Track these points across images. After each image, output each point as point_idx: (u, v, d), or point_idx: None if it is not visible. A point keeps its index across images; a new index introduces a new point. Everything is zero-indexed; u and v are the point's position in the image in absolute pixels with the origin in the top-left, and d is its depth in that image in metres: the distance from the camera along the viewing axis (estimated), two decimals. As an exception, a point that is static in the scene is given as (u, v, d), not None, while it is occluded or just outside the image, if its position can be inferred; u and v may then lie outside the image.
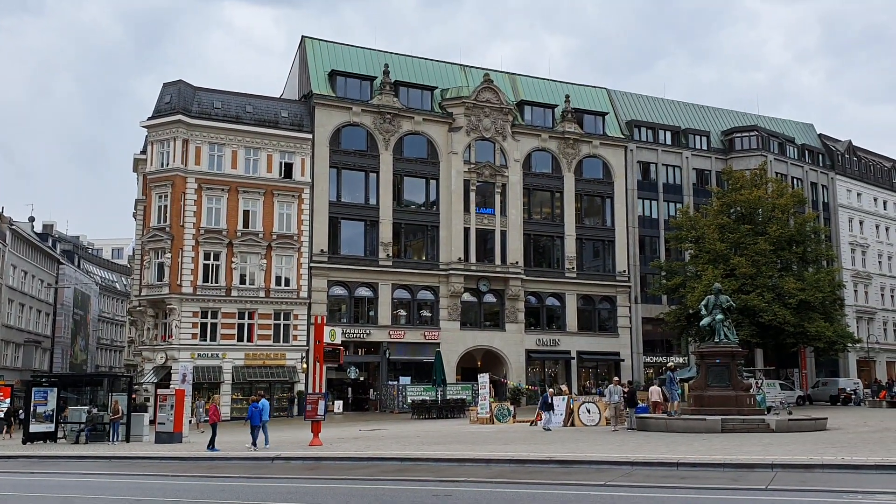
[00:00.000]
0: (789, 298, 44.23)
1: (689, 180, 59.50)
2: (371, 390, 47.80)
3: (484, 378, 35.57)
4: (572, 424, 28.74)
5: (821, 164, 66.95)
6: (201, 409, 35.00)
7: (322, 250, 46.49)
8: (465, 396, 41.90)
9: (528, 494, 12.88)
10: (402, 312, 48.67)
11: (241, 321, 44.13)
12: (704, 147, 60.96)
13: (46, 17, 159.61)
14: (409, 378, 46.23)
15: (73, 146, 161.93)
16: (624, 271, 55.13)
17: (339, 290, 47.38)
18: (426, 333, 48.39)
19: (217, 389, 41.54)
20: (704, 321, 27.18)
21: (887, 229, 72.28)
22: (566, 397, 30.85)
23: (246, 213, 45.18)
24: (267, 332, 44.61)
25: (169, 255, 43.03)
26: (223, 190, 44.69)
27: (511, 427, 30.16)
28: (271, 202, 45.70)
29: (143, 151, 47.92)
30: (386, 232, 48.39)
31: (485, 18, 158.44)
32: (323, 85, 48.96)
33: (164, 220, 43.69)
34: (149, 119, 45.11)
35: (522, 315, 51.32)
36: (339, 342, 36.79)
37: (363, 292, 47.93)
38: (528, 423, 30.65)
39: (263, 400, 23.80)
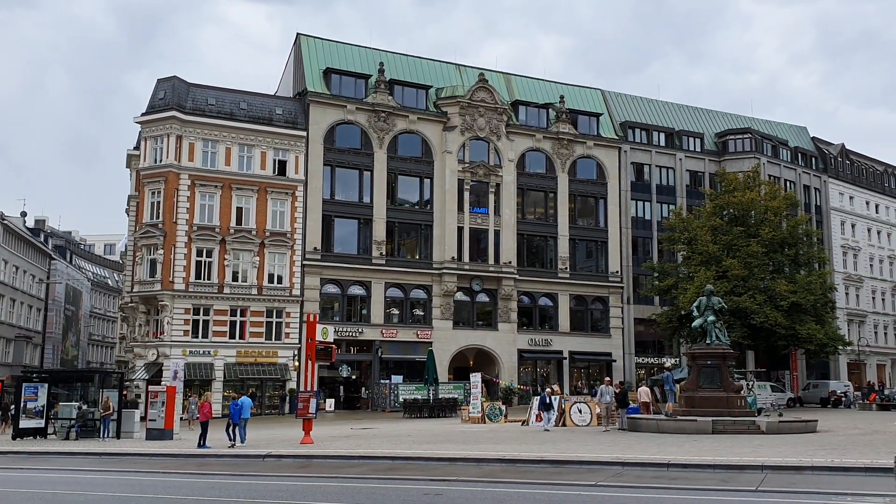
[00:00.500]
0: (781, 301, 44.41)
1: (682, 182, 59.64)
2: (363, 389, 47.76)
3: (476, 377, 35.61)
4: (563, 424, 28.77)
5: (814, 168, 67.18)
6: (194, 406, 34.92)
7: (315, 248, 46.42)
8: (457, 396, 41.91)
9: (518, 494, 12.90)
10: (395, 311, 48.64)
11: (233, 318, 44.01)
12: (698, 149, 61.10)
13: (40, 10, 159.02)
14: (401, 377, 46.20)
15: (66, 141, 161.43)
16: (617, 272, 55.23)
17: (331, 289, 47.32)
18: (419, 332, 48.39)
19: (209, 387, 41.47)
20: (696, 323, 27.29)
21: (879, 233, 72.61)
22: (558, 397, 30.89)
23: (239, 210, 45.07)
24: (259, 330, 44.53)
25: (161, 251, 42.91)
26: (216, 187, 44.58)
27: (503, 427, 30.19)
28: (265, 199, 45.60)
29: (137, 147, 47.76)
30: (379, 230, 48.35)
31: (480, 17, 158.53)
32: (318, 82, 48.88)
33: (157, 217, 43.55)
34: (142, 115, 44.95)
35: (515, 315, 51.36)
36: (332, 340, 36.61)
37: (356, 290, 47.88)
38: (520, 423, 30.69)
39: (244, 398, 23.97)
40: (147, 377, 41.17)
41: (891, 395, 49.29)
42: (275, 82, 59.15)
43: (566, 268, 53.52)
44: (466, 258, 50.09)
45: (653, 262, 54.78)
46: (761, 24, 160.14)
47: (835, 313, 53.17)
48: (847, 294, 66.75)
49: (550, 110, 55.29)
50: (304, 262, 46.00)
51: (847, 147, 72.61)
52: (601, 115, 57.61)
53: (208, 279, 43.74)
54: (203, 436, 23.16)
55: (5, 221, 56.30)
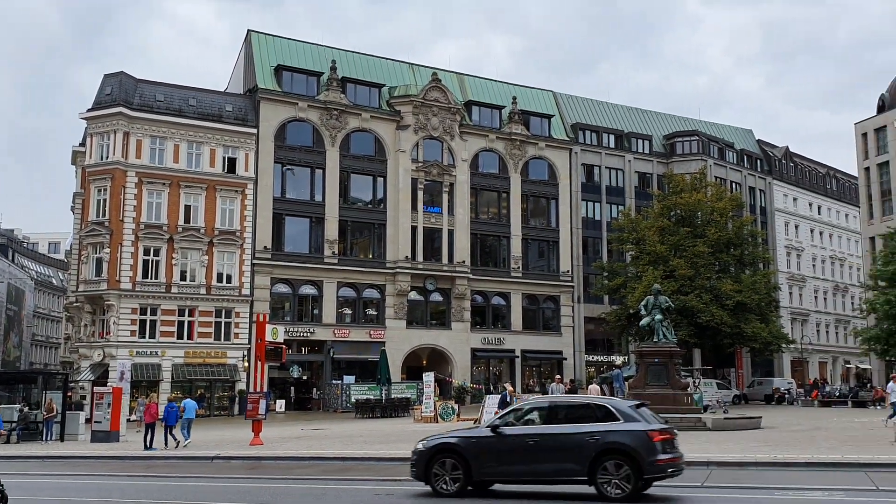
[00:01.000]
0: (726, 300, 45.43)
1: (631, 183, 60.59)
2: (314, 389, 47.45)
3: (429, 377, 35.65)
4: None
5: (759, 169, 68.82)
6: (142, 408, 34.31)
7: (265, 247, 45.95)
8: (409, 395, 41.89)
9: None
10: (347, 311, 48.43)
11: (181, 318, 43.35)
12: (646, 151, 62.13)
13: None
14: (353, 377, 46.00)
15: (10, 137, 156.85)
16: (568, 271, 55.86)
17: (282, 288, 46.91)
18: (371, 332, 48.26)
19: (156, 388, 40.72)
20: (644, 321, 27.71)
21: (821, 234, 74.69)
22: (509, 395, 31.04)
23: (188, 208, 44.40)
24: (208, 330, 43.92)
25: (108, 249, 42.02)
26: (164, 184, 43.83)
27: (455, 425, 30.18)
28: (214, 197, 45.00)
29: (83, 144, 46.73)
30: (331, 229, 48.08)
31: (430, 16, 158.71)
32: (268, 79, 48.39)
33: (103, 215, 42.64)
34: (88, 111, 43.97)
35: (468, 314, 51.59)
36: (282, 340, 36.28)
37: (307, 290, 47.53)
38: (473, 422, 30.78)
39: (188, 399, 23.79)
40: (93, 378, 40.30)
41: (832, 392, 50.81)
42: (225, 79, 58.53)
43: (519, 267, 53.95)
44: (420, 257, 50.13)
45: (602, 261, 55.57)
46: (709, 26, 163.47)
47: (778, 312, 54.60)
48: (790, 293, 68.52)
49: (503, 111, 55.66)
50: (254, 262, 45.50)
51: (791, 149, 74.56)
52: (552, 116, 58.21)
53: (156, 278, 43.01)
54: (150, 437, 22.80)
55: (-57, 219, 54.49)
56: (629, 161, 60.77)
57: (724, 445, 18.28)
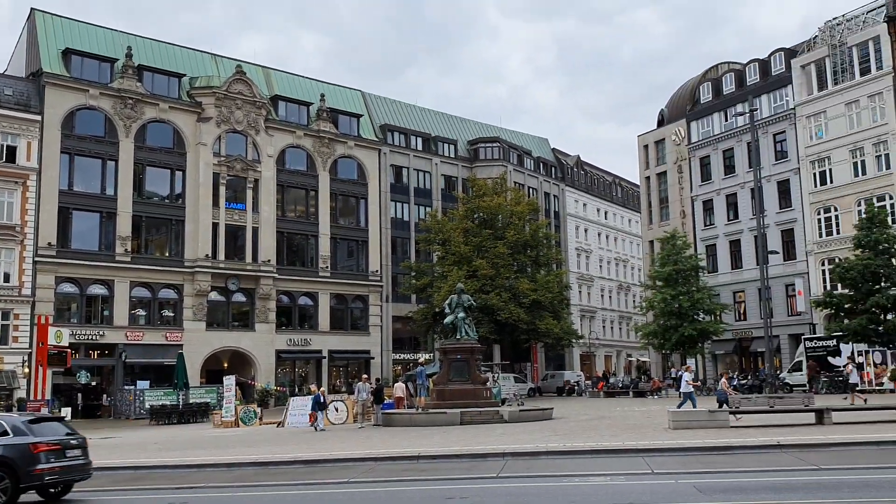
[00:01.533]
0: (523, 298, 47.90)
1: (437, 185, 62.13)
2: (104, 396, 44.34)
3: (230, 380, 34.48)
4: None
5: (553, 176, 73.03)
6: None
7: (50, 243, 42.32)
8: (209, 400, 40.29)
9: (268, 497, 12.75)
10: (142, 312, 45.75)
11: (-53, 321, 38.94)
12: (452, 154, 63.98)
13: None
14: (147, 382, 43.50)
15: None
16: (376, 271, 56.25)
17: (68, 288, 43.43)
18: (168, 334, 45.90)
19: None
20: (448, 319, 28.55)
21: (608, 237, 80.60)
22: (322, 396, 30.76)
23: (-43, 199, 39.95)
24: (-20, 334, 39.77)
25: None
26: (-72, 172, 39.16)
27: (257, 429, 29.57)
28: (-11, 188, 40.82)
29: None
30: (124, 225, 45.18)
31: (237, 8, 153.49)
32: (55, 63, 44.63)
33: None
34: None
35: (274, 315, 50.47)
36: (67, 344, 33.86)
37: (97, 290, 44.33)
38: (276, 425, 30.24)
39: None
40: None
41: (616, 384, 54.97)
42: (4, 60, 53.19)
43: (327, 267, 53.57)
44: (222, 256, 48.37)
45: (410, 261, 56.55)
46: (508, 38, 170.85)
47: (569, 309, 58.28)
48: (580, 292, 73.33)
49: (311, 108, 55.04)
50: (37, 259, 41.74)
51: (582, 158, 79.85)
52: (361, 116, 58.38)
53: (-84, 277, 38.31)
54: None
55: None
56: (436, 164, 62.28)
57: (518, 436, 19.21)
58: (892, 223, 42.31)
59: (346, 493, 12.68)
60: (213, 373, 47.24)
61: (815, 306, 43.53)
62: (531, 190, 67.35)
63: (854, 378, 29.15)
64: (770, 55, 55.00)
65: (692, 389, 25.61)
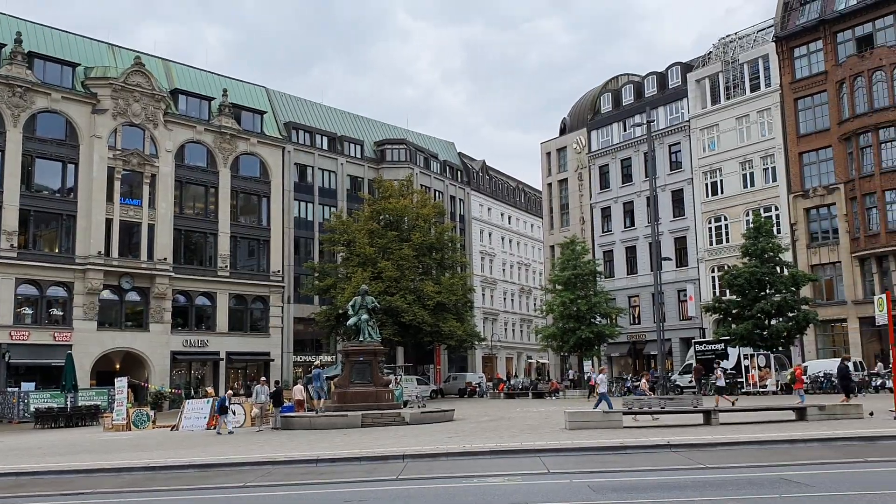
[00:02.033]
0: (428, 300, 48.11)
1: (343, 186, 61.67)
2: (-16, 398, 41.87)
3: (122, 382, 33.22)
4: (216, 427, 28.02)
5: (459, 180, 73.70)
6: None
7: (-75, 237, 39.74)
8: (99, 402, 38.69)
9: (161, 502, 12.34)
10: (28, 310, 43.50)
11: None
12: (358, 155, 63.64)
13: None
14: (33, 383, 41.39)
15: None
16: (278, 271, 55.31)
17: (-54, 284, 40.88)
18: (56, 334, 43.82)
19: None
20: (351, 321, 28.38)
21: (511, 241, 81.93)
22: (211, 399, 30.02)
23: None
24: None
25: None
26: None
27: (150, 433, 28.57)
28: None
29: None
30: (10, 219, 42.86)
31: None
32: (-65, 44, 41.98)
33: None
34: None
35: (169, 315, 48.90)
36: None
37: (-22, 287, 41.90)
38: (170, 428, 29.31)
39: None
40: None
41: (516, 385, 55.89)
42: None
43: (226, 266, 52.31)
44: (116, 253, 46.54)
45: (314, 262, 55.89)
46: (418, 40, 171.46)
47: (473, 312, 58.93)
48: (483, 295, 74.25)
49: (213, 103, 53.68)
50: (-90, 253, 39.15)
51: (487, 163, 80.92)
52: (265, 112, 57.34)
53: None
54: None
55: None
56: (342, 164, 61.80)
57: (419, 438, 19.26)
58: (777, 233, 44.72)
59: (242, 497, 12.41)
60: (104, 374, 45.39)
61: (705, 311, 45.57)
62: (437, 193, 67.74)
63: (721, 382, 30.59)
64: (667, 69, 57.24)
65: (606, 390, 26.36)
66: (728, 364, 41.04)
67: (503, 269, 79.39)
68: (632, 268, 56.54)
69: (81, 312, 44.90)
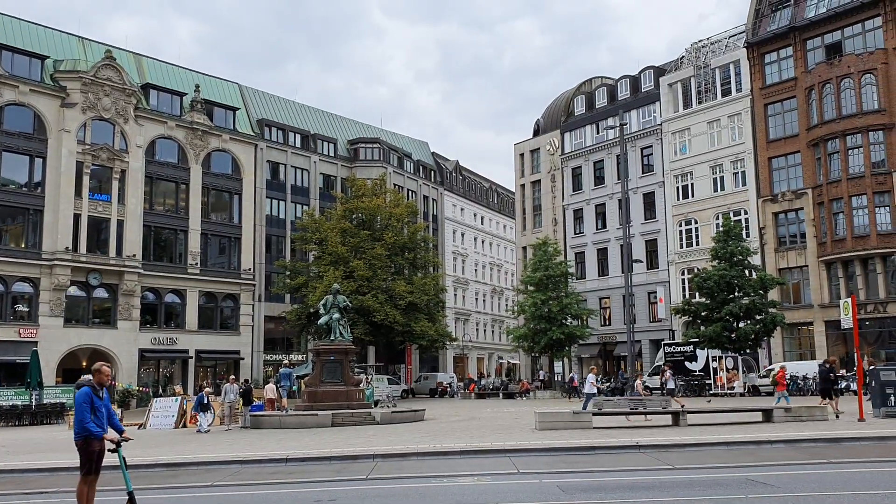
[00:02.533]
0: (400, 300, 48.04)
1: (316, 184, 61.38)
2: (-55, 396, 41.06)
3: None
4: (184, 426, 27.80)
5: (432, 180, 73.71)
6: None
7: None
8: (65, 401, 38.07)
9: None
10: (-8, 306, 42.77)
11: None
12: (332, 153, 63.38)
13: None
14: (-4, 381, 40.73)
15: None
16: (249, 269, 54.90)
17: None
18: (21, 330, 43.13)
19: None
20: (322, 320, 28.27)
21: (483, 242, 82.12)
22: (180, 398, 29.75)
23: None
24: None
25: None
26: None
27: (117, 431, 28.16)
28: None
29: None
30: (-25, 213, 42.15)
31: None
32: None
33: None
34: None
35: (138, 312, 48.33)
36: None
37: (-59, 282, 41.13)
38: (137, 427, 28.96)
39: None
40: None
41: (487, 385, 56.04)
42: None
43: (197, 263, 51.81)
44: (83, 249, 45.90)
45: (285, 260, 55.55)
46: (392, 39, 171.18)
47: (444, 312, 58.97)
48: (455, 295, 74.36)
49: (185, 98, 53.15)
50: None
51: (461, 164, 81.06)
52: (238, 109, 56.89)
53: None
54: None
55: None
56: (315, 162, 61.50)
57: (389, 438, 19.23)
58: (747, 237, 45.31)
59: (210, 496, 12.29)
60: (70, 372, 44.69)
61: (675, 313, 46.02)
62: (410, 193, 67.68)
63: (671, 384, 30.78)
64: (640, 72, 57.72)
65: (595, 391, 26.45)
66: (697, 366, 41.51)
67: (475, 270, 79.53)
68: (603, 269, 56.94)
69: (48, 309, 44.21)
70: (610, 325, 55.47)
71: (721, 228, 43.49)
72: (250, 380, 42.70)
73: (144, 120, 50.03)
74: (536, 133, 65.67)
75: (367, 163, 64.37)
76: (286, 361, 41.12)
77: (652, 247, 53.93)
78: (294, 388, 31.65)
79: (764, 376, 40.70)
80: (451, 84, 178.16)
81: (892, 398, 20.95)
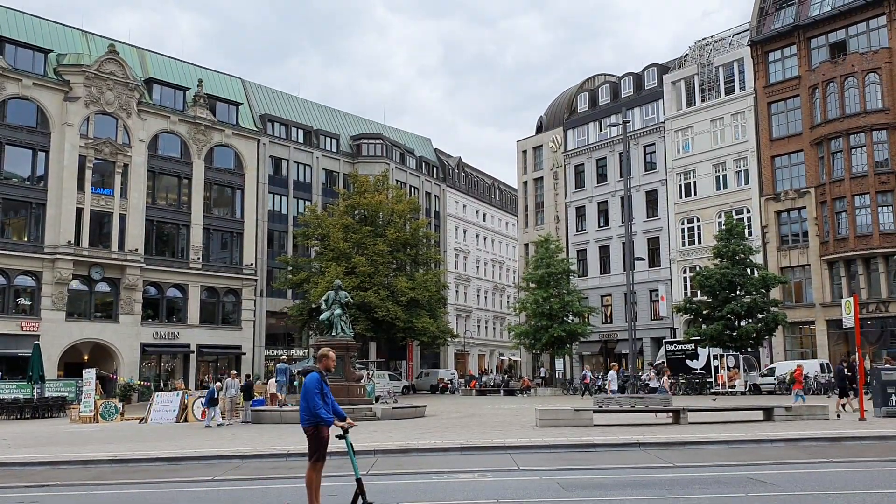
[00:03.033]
0: (401, 296, 48.07)
1: (318, 179, 61.36)
2: (-53, 388, 41.16)
3: (89, 373, 32.86)
4: (185, 420, 27.85)
5: (435, 176, 73.67)
6: None
7: None
8: (66, 394, 38.17)
9: (128, 495, 12.20)
10: (-6, 299, 42.84)
11: None
12: (334, 149, 63.36)
13: None
14: (-1, 374, 40.79)
15: None
16: (251, 264, 54.93)
17: None
18: (24, 324, 43.18)
19: None
20: (324, 315, 28.26)
21: (486, 238, 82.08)
22: (181, 392, 29.81)
23: None
24: None
25: None
26: None
27: (118, 425, 28.27)
28: None
29: None
30: (-22, 207, 42.17)
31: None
32: None
33: None
34: None
35: (140, 306, 48.36)
36: None
37: (-57, 275, 41.18)
38: (138, 421, 29.04)
39: None
40: None
41: (488, 382, 56.05)
42: None
43: (199, 258, 51.83)
44: (86, 243, 45.93)
45: (287, 256, 55.56)
46: (395, 35, 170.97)
47: (446, 308, 59.00)
48: (457, 291, 74.37)
49: (188, 93, 53.15)
50: None
51: (463, 160, 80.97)
52: (241, 104, 56.86)
53: None
54: None
55: None
56: (317, 157, 61.49)
57: (390, 434, 19.25)
58: (749, 235, 45.27)
59: (211, 491, 12.31)
60: (72, 365, 44.82)
61: (677, 311, 45.98)
62: (412, 189, 67.65)
63: (654, 384, 30.63)
64: (644, 70, 57.62)
65: (616, 387, 26.38)
66: (698, 364, 41.52)
67: (477, 267, 79.52)
68: (605, 267, 56.91)
69: (50, 302, 44.28)
70: (611, 322, 55.46)
71: (723, 227, 43.44)
72: (252, 375, 42.77)
73: (147, 114, 50.03)
74: (539, 130, 65.60)
75: (370, 159, 64.35)
76: (283, 357, 41.13)
77: (654, 245, 53.89)
78: (295, 383, 31.65)
79: (765, 375, 40.71)
80: (454, 80, 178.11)
81: (894, 398, 20.96)
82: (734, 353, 40.60)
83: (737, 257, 40.96)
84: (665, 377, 29.66)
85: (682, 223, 52.06)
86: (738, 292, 40.55)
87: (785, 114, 47.51)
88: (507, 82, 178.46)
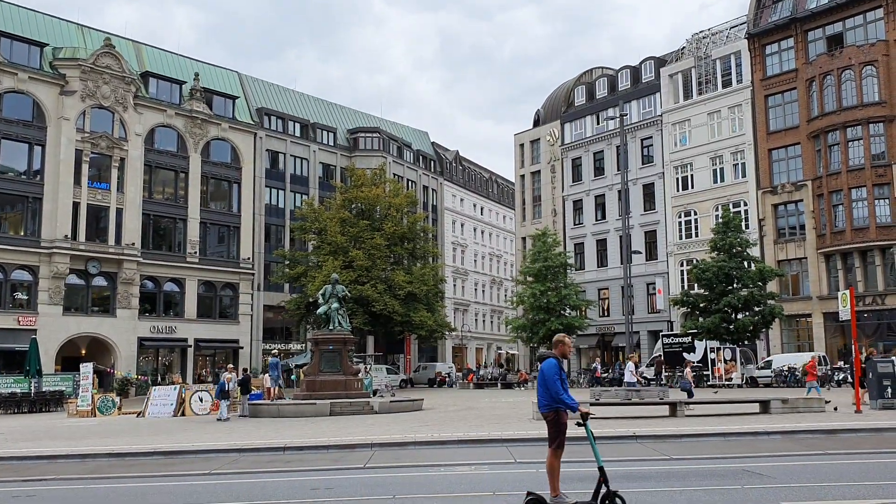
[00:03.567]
0: (399, 290, 48.08)
1: (315, 173, 61.29)
2: (-56, 383, 41.12)
3: (87, 368, 32.84)
4: (183, 414, 27.86)
5: (432, 170, 73.62)
6: None
7: None
8: (63, 388, 38.17)
9: (125, 489, 12.21)
10: (-9, 294, 42.77)
11: None
12: (331, 143, 63.26)
13: None
14: (-5, 368, 40.80)
15: None
16: (248, 258, 54.89)
17: None
18: (21, 318, 43.15)
19: None
20: (321, 309, 28.29)
21: (483, 232, 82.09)
22: (178, 386, 29.81)
23: None
24: None
25: None
26: None
27: (115, 419, 28.28)
28: None
29: None
30: (-26, 201, 42.08)
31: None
32: None
33: None
34: None
35: (137, 300, 48.34)
36: None
37: (-60, 269, 41.12)
38: (136, 415, 29.05)
39: None
40: None
41: (485, 375, 56.13)
42: None
43: (196, 252, 51.79)
44: (83, 237, 45.88)
45: (284, 249, 55.52)
46: (392, 27, 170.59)
47: (443, 302, 59.03)
48: (454, 285, 74.41)
49: (184, 87, 53.01)
50: None
51: (461, 153, 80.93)
52: (237, 98, 56.75)
53: None
54: None
55: None
56: (314, 151, 61.40)
57: (387, 427, 19.28)
58: (746, 228, 45.30)
59: (208, 484, 12.32)
60: (69, 360, 44.82)
61: (674, 304, 46.05)
62: (410, 182, 67.60)
63: (629, 378, 30.42)
64: (641, 63, 57.55)
65: (634, 380, 26.37)
66: (695, 357, 41.57)
67: (475, 260, 79.54)
68: (602, 260, 56.94)
69: (47, 297, 44.22)
70: (608, 316, 55.52)
71: (720, 220, 43.47)
72: (249, 369, 42.78)
73: (143, 108, 49.91)
74: (537, 123, 65.53)
75: (367, 152, 64.26)
76: (274, 351, 41.14)
77: (651, 238, 53.92)
78: (293, 377, 31.68)
79: (762, 368, 40.80)
80: (451, 73, 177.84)
81: (889, 390, 21.03)
82: (731, 346, 40.66)
83: (734, 250, 41.00)
84: (687, 369, 29.54)
85: (680, 216, 52.09)
86: (735, 285, 40.60)
87: (782, 107, 47.51)
88: (505, 75, 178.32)
